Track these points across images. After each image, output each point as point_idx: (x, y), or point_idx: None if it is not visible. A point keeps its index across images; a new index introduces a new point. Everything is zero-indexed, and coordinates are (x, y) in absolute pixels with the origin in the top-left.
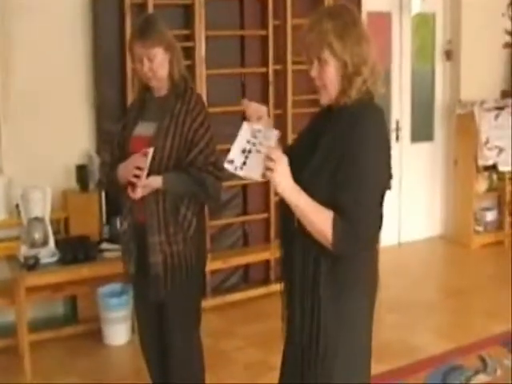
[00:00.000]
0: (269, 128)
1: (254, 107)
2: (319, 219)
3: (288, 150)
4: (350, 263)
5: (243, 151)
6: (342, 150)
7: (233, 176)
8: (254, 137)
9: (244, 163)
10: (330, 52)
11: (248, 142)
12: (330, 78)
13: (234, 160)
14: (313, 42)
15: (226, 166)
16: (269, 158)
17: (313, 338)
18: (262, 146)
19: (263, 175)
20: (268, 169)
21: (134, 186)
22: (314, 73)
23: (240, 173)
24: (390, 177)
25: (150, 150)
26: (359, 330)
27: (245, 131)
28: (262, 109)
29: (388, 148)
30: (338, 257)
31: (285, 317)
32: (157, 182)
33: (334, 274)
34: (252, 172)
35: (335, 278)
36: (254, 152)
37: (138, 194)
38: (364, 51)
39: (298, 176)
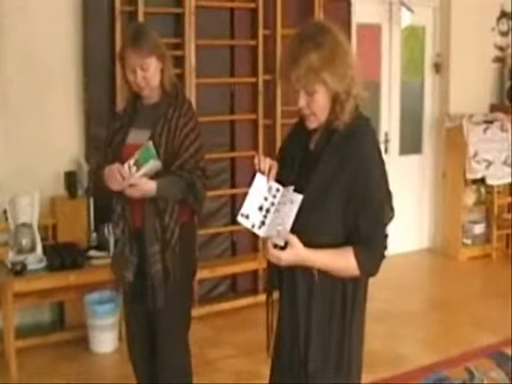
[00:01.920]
0: (288, 189)
1: (268, 162)
2: (340, 263)
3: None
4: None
5: (260, 208)
6: (346, 176)
7: (222, 185)
8: (273, 196)
9: (263, 223)
10: (322, 86)
11: (266, 199)
12: (319, 107)
13: (250, 216)
14: (301, 77)
15: (240, 219)
16: (272, 255)
17: (320, 348)
18: (283, 206)
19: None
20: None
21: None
22: (302, 103)
23: (259, 233)
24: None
25: (150, 143)
26: (359, 344)
27: (260, 185)
28: (273, 162)
29: (383, 163)
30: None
31: (272, 327)
32: (149, 185)
33: (352, 293)
34: (273, 232)
35: (340, 288)
36: (273, 212)
37: (132, 191)
38: (351, 72)
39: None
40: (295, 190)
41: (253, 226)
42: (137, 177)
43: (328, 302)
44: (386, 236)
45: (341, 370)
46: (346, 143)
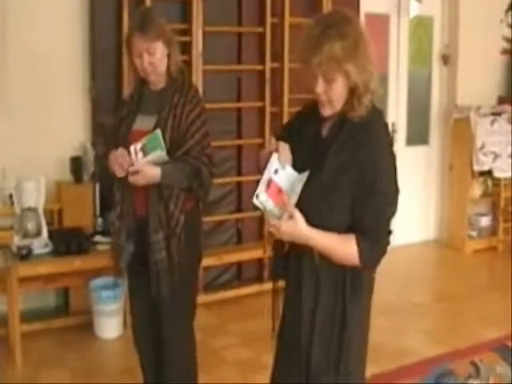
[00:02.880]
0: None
1: (287, 150)
2: (341, 248)
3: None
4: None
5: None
6: (356, 166)
7: (228, 173)
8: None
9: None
10: (343, 76)
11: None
12: (337, 95)
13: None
14: (322, 63)
15: (254, 201)
16: (272, 225)
17: (323, 338)
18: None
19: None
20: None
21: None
22: (319, 89)
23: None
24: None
25: (158, 131)
26: (364, 333)
27: (273, 165)
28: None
29: (394, 156)
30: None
31: (278, 315)
32: (154, 172)
33: (352, 282)
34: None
35: (346, 279)
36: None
37: (135, 178)
38: (371, 66)
39: (307, 191)
40: (311, 178)
41: (272, 211)
42: (142, 163)
43: (331, 293)
44: (389, 232)
45: (339, 364)
46: (358, 134)
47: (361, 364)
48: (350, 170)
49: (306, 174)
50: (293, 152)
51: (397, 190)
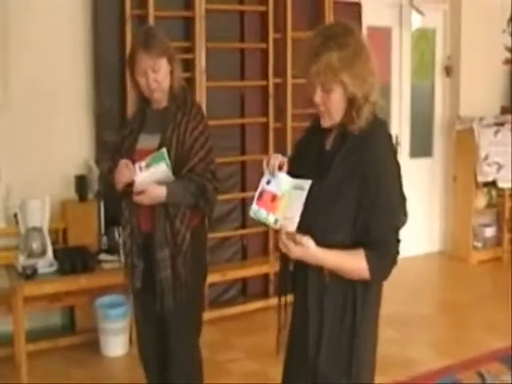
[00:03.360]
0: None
1: (279, 158)
2: (351, 264)
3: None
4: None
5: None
6: (361, 177)
7: (232, 189)
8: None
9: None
10: (340, 86)
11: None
12: (335, 106)
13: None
14: (320, 72)
15: (251, 215)
16: (297, 242)
17: (330, 348)
18: (293, 194)
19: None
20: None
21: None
22: (317, 99)
23: (273, 225)
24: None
25: (164, 150)
26: (373, 346)
27: (266, 178)
28: (284, 159)
29: (398, 167)
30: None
31: (283, 329)
32: (160, 190)
33: (363, 295)
34: (286, 222)
35: (356, 291)
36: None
37: (141, 197)
38: (371, 79)
39: (311, 201)
40: (314, 190)
41: (266, 219)
42: (147, 182)
43: (339, 306)
44: (398, 241)
45: (350, 375)
46: (361, 145)
47: (370, 374)
48: (352, 182)
49: (308, 182)
50: (298, 164)
51: (404, 199)
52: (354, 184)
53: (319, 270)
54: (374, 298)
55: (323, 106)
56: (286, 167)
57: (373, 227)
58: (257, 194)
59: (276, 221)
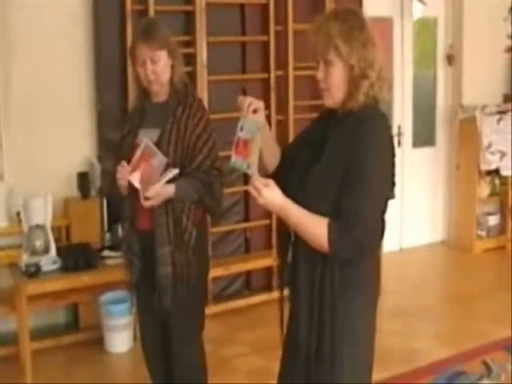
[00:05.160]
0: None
1: (249, 100)
2: (313, 226)
3: (286, 153)
4: (356, 268)
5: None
6: (348, 157)
7: (235, 183)
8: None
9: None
10: (336, 54)
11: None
12: (335, 81)
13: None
14: (319, 43)
15: (231, 166)
16: (254, 187)
17: (320, 342)
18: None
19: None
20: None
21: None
22: (320, 75)
23: (249, 172)
24: (393, 184)
25: (175, 171)
26: (364, 335)
27: (239, 124)
28: (260, 103)
29: (392, 155)
30: (338, 261)
31: (284, 322)
32: (169, 190)
33: (340, 280)
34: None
35: (342, 283)
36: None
37: (151, 202)
38: (370, 55)
39: (302, 182)
40: (308, 169)
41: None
42: (157, 187)
43: (323, 291)
44: (373, 227)
45: (334, 364)
46: (355, 127)
47: (362, 366)
48: (343, 162)
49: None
50: (297, 147)
51: (392, 184)
52: (344, 165)
53: (308, 260)
54: (358, 285)
55: (324, 82)
56: (262, 113)
57: (343, 202)
58: (234, 143)
59: (248, 166)
